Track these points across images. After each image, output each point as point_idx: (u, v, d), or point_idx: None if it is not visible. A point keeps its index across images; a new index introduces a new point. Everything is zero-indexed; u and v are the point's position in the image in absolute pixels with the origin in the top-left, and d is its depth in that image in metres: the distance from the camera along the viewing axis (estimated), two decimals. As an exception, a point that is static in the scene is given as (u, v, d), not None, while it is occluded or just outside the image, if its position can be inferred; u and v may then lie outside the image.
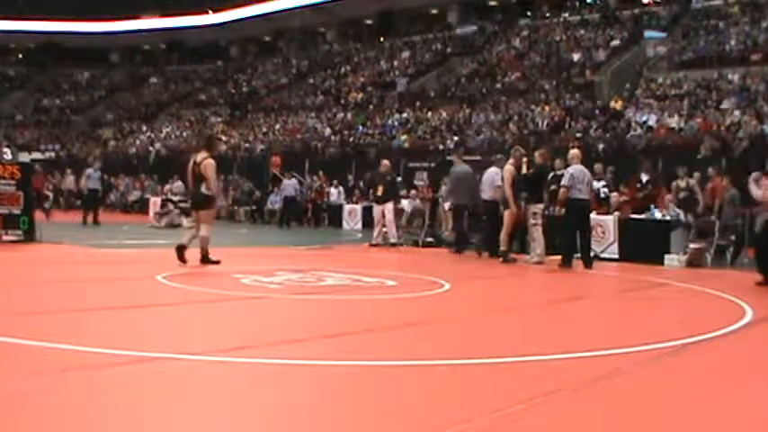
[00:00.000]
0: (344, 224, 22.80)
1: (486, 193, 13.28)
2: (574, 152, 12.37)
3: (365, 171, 25.03)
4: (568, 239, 11.82)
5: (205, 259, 9.96)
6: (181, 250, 9.79)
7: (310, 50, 46.68)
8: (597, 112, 25.90)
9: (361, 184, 23.63)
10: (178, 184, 27.01)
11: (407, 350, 5.14)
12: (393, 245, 15.16)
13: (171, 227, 19.42)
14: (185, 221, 19.90)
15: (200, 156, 10.07)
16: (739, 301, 7.97)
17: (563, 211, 12.01)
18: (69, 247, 12.66)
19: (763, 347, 5.95)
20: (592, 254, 12.61)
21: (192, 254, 9.79)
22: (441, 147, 26.63)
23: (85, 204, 20.40)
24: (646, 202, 13.96)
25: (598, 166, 15.37)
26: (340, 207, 23.46)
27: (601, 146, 22.64)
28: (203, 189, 9.99)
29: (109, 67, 55.05)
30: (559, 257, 11.71)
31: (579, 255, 11.81)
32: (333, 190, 24.20)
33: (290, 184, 23.02)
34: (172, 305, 6.89)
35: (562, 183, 11.73)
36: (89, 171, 20.55)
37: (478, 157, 24.13)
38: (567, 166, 12.52)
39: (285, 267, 10.04)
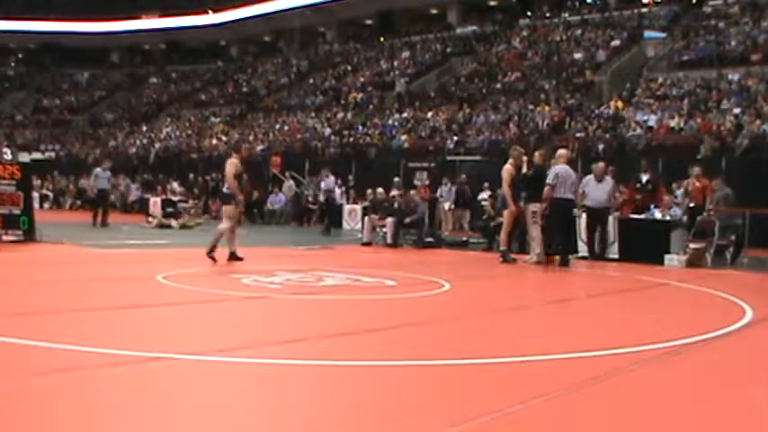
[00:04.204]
0: (344, 224, 22.79)
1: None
2: (561, 152, 12.35)
3: (365, 171, 25.02)
4: (562, 239, 11.81)
5: (210, 251, 10.31)
6: (212, 250, 10.36)
7: (310, 50, 46.67)
8: (597, 112, 25.89)
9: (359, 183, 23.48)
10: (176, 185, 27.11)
11: (407, 350, 5.14)
12: (391, 245, 15.18)
13: (161, 227, 19.47)
14: (174, 222, 20.01)
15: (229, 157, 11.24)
16: (739, 301, 7.97)
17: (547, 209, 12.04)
18: (69, 247, 12.65)
19: (762, 347, 5.95)
20: (585, 253, 12.69)
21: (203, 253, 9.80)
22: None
23: (95, 205, 19.94)
24: (646, 202, 13.96)
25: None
26: (340, 207, 23.42)
27: (601, 146, 22.63)
28: (225, 188, 10.85)
29: (109, 67, 55.06)
30: (558, 257, 11.71)
31: (561, 251, 11.76)
32: (338, 190, 24.03)
33: (332, 182, 20.84)
34: (172, 305, 6.89)
35: (547, 181, 11.71)
36: (98, 170, 20.31)
37: (478, 157, 24.19)
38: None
39: (285, 267, 10.05)
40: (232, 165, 10.72)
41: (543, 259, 11.88)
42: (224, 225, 10.61)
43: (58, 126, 47.86)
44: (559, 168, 11.71)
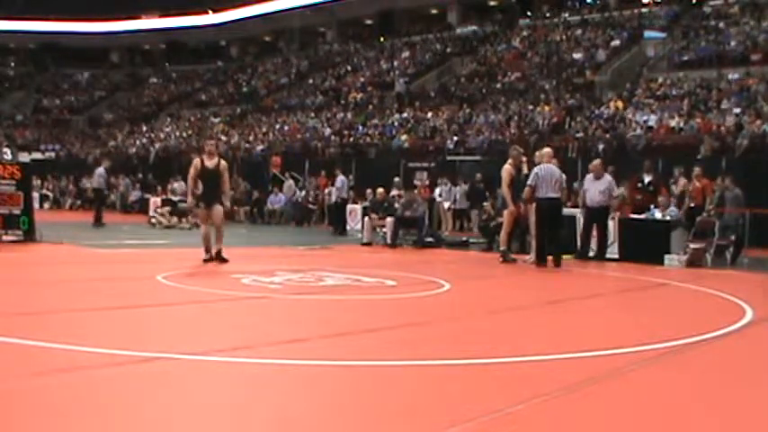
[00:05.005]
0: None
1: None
2: (545, 151, 12.22)
3: (365, 171, 25.01)
4: (551, 238, 11.82)
5: (206, 259, 10.40)
6: (217, 254, 10.47)
7: (310, 50, 46.69)
8: (597, 112, 25.89)
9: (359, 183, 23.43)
10: (178, 184, 27.05)
11: (407, 350, 5.14)
12: (391, 245, 15.18)
13: (167, 227, 19.46)
14: (184, 222, 20.01)
15: None
16: (739, 301, 7.97)
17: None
18: (69, 248, 12.66)
19: (763, 347, 5.95)
20: (591, 253, 12.66)
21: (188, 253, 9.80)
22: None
23: (96, 204, 20.00)
24: (646, 202, 13.96)
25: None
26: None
27: (601, 146, 22.63)
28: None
29: (109, 67, 55.08)
30: (553, 257, 11.69)
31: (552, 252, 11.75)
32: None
33: (343, 180, 20.50)
34: (172, 305, 6.90)
35: (527, 182, 11.70)
36: (100, 170, 20.28)
37: (478, 157, 24.19)
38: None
39: (285, 267, 10.05)
40: (192, 167, 10.70)
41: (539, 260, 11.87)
42: (202, 229, 10.66)
43: (58, 126, 47.86)
44: (538, 168, 11.67)
